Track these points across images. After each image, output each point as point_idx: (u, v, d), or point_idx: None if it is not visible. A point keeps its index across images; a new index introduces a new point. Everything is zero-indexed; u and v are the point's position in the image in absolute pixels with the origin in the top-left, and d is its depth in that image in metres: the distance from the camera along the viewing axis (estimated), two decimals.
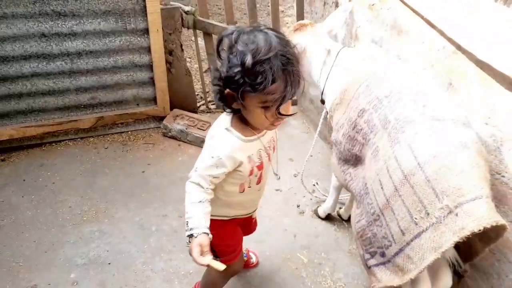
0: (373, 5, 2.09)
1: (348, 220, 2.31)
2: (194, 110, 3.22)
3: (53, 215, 2.26)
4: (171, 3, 2.81)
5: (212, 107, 3.41)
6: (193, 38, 3.06)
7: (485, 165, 1.26)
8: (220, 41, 1.26)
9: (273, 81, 1.18)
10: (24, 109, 2.65)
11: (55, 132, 2.76)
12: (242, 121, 1.36)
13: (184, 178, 2.56)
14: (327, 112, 1.97)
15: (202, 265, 1.26)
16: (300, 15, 3.16)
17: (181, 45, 2.94)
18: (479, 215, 1.13)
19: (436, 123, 1.31)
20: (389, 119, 1.41)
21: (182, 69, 3.01)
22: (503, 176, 1.39)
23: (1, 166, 2.59)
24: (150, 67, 2.77)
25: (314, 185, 2.56)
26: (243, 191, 1.47)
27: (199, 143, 2.84)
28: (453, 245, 1.16)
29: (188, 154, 2.79)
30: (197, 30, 2.99)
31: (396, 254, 1.31)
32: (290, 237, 2.21)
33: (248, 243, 2.15)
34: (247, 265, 2.08)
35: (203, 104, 3.41)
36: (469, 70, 1.49)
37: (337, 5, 2.47)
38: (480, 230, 1.11)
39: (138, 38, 2.66)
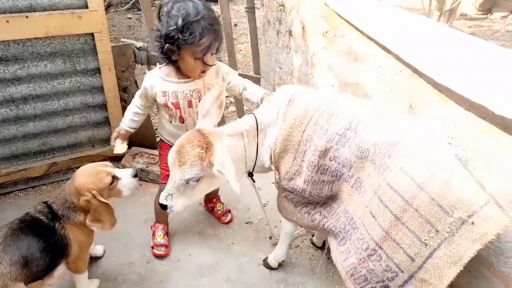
0: (326, 32, 2.12)
1: (322, 247, 2.28)
2: (154, 146, 3.11)
3: None
4: (122, 40, 2.73)
5: None
6: (147, 71, 2.98)
7: None
8: (160, 8, 1.75)
9: (201, 37, 1.68)
10: None
11: (3, 183, 2.55)
12: (174, 69, 1.87)
13: (148, 221, 2.45)
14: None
15: (113, 140, 1.98)
16: (254, 44, 3.18)
17: (136, 81, 2.85)
18: (499, 216, 1.15)
19: (422, 141, 1.30)
20: (366, 148, 1.36)
21: None
22: None
23: None
24: (104, 106, 2.66)
25: None
26: (171, 122, 1.98)
27: None
28: (475, 254, 1.15)
29: (151, 193, 2.66)
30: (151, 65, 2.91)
31: (406, 282, 1.28)
32: (266, 272, 2.14)
33: (224, 282, 2.07)
34: (219, 218, 2.46)
35: None
36: (427, 92, 1.53)
37: (290, 34, 2.50)
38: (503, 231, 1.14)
39: (90, 78, 2.55)
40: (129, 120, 2.01)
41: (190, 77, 1.88)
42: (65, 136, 2.65)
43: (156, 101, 1.95)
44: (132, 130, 2.04)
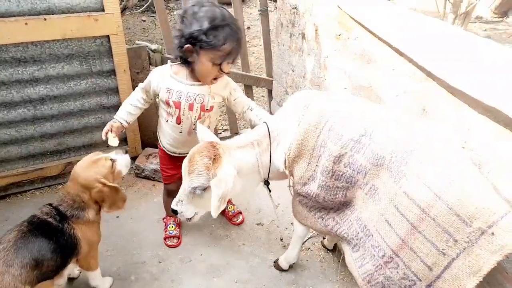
0: (340, 35, 2.13)
1: (333, 250, 2.28)
2: None
3: None
4: (137, 42, 2.77)
5: None
6: None
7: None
8: (185, 11, 1.76)
9: (224, 42, 1.71)
10: None
11: (20, 182, 2.61)
12: (184, 69, 1.88)
13: (160, 221, 2.47)
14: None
15: (105, 134, 1.95)
16: (267, 47, 3.19)
17: None
18: None
19: (438, 148, 1.28)
20: (382, 155, 1.35)
21: (152, 106, 2.94)
22: None
23: None
24: (119, 108, 2.69)
25: None
26: (167, 121, 1.97)
27: None
28: (494, 265, 1.13)
29: None
30: None
31: None
32: (276, 274, 2.14)
33: (234, 283, 2.08)
34: (230, 219, 2.48)
35: None
36: (441, 96, 1.52)
37: (303, 37, 2.50)
38: None
39: (105, 80, 2.59)
40: (126, 113, 2.01)
41: (199, 81, 1.89)
42: (81, 136, 2.70)
43: (156, 97, 1.98)
44: (127, 125, 2.02)
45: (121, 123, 2.00)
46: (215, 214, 1.53)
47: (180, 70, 1.91)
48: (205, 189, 1.60)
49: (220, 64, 1.77)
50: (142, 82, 2.03)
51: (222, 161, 1.58)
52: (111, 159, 1.77)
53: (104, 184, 1.69)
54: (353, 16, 1.97)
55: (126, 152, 1.87)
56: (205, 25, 1.69)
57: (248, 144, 1.67)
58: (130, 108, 2.01)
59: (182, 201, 1.67)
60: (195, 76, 1.88)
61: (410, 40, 1.61)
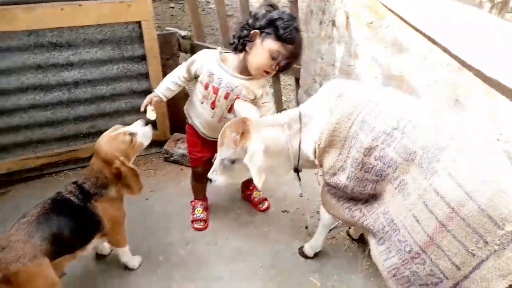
0: (371, 23, 2.09)
1: (358, 239, 2.28)
2: None
3: None
4: (167, 28, 2.80)
5: None
6: None
7: None
8: (267, 10, 1.83)
9: (291, 42, 1.76)
10: (22, 141, 2.61)
11: (55, 163, 2.72)
12: (233, 60, 1.94)
13: (188, 204, 2.52)
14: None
15: (144, 107, 2.04)
16: None
17: None
18: None
19: (472, 144, 1.24)
20: (414, 150, 1.33)
21: (181, 92, 2.97)
22: None
23: (1, 200, 2.53)
24: (149, 93, 2.66)
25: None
26: (202, 103, 2.03)
27: None
28: None
29: None
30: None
31: None
32: (301, 261, 2.17)
33: (259, 268, 2.12)
34: (255, 205, 2.52)
35: None
36: (476, 86, 1.49)
37: (333, 24, 2.48)
38: None
39: (136, 65, 2.65)
40: (165, 89, 2.07)
41: (242, 75, 1.92)
42: (112, 120, 2.77)
43: (195, 79, 2.02)
44: (165, 99, 2.09)
45: (160, 98, 2.07)
46: (260, 185, 1.60)
47: (228, 59, 1.96)
48: (234, 161, 1.70)
49: (278, 60, 1.80)
50: (172, 68, 2.08)
51: (250, 137, 1.64)
52: (130, 134, 1.81)
53: (123, 163, 1.73)
54: (385, 3, 1.94)
55: (147, 124, 1.92)
56: (286, 18, 1.76)
57: (278, 125, 1.70)
58: (171, 84, 2.07)
59: (216, 171, 1.78)
60: (241, 69, 1.92)
61: (444, 29, 1.58)
